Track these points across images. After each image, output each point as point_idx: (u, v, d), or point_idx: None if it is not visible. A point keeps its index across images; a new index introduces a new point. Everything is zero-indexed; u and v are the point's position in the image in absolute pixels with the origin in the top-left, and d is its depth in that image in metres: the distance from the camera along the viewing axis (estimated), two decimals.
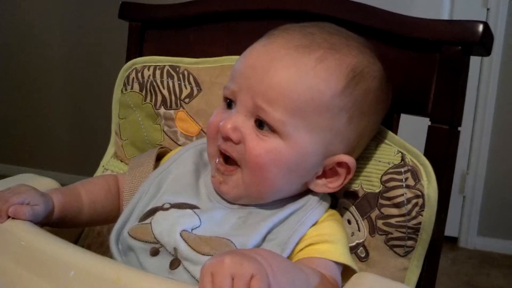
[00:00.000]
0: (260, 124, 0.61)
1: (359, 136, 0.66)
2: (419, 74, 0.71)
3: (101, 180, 0.75)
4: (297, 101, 0.60)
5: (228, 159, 0.64)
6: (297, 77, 0.60)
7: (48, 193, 0.65)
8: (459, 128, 0.72)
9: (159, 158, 0.77)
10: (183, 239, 0.60)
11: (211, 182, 0.67)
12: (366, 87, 0.64)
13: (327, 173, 0.65)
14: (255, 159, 0.61)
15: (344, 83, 0.62)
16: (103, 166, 0.87)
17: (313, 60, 0.61)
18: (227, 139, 0.62)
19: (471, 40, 0.67)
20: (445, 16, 2.29)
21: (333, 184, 0.66)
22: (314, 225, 0.64)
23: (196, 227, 0.62)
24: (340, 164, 0.64)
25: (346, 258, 0.62)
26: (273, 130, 0.61)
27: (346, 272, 0.62)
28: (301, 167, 0.63)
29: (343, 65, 0.62)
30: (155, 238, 0.61)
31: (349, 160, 0.64)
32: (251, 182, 0.62)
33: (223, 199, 0.66)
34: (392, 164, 0.68)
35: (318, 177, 0.65)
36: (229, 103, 0.65)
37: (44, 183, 0.73)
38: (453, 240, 2.48)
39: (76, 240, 0.81)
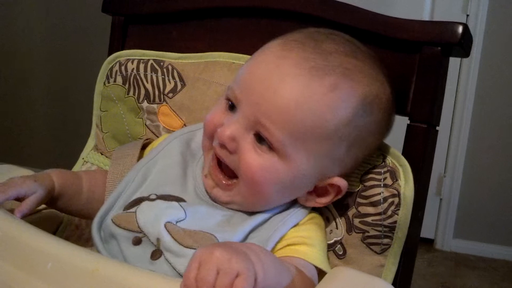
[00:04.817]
0: (260, 138, 0.61)
1: (355, 161, 0.66)
2: (399, 73, 0.72)
3: (101, 174, 0.76)
4: (301, 126, 0.59)
5: (222, 163, 0.64)
6: (305, 102, 0.59)
7: (49, 172, 0.67)
8: (437, 128, 0.74)
9: (143, 148, 0.77)
10: (167, 231, 0.60)
11: (203, 182, 0.66)
12: (371, 120, 0.63)
13: (318, 190, 0.66)
14: (251, 174, 0.60)
15: (351, 115, 0.61)
16: (83, 158, 0.87)
17: (325, 87, 0.59)
18: (223, 146, 0.62)
19: (450, 41, 0.68)
20: None
21: (321, 201, 0.66)
22: (294, 226, 0.64)
23: (181, 220, 0.62)
24: (332, 185, 0.65)
25: (320, 262, 0.62)
26: (272, 148, 0.60)
27: (323, 276, 0.62)
28: (295, 186, 0.63)
29: (354, 96, 0.61)
30: (139, 227, 0.61)
31: (342, 183, 0.64)
32: (247, 193, 0.62)
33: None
34: (373, 165, 0.68)
35: (309, 193, 0.66)
36: (231, 105, 0.64)
37: (22, 174, 0.71)
38: (429, 242, 2.51)
39: (53, 233, 0.80)
